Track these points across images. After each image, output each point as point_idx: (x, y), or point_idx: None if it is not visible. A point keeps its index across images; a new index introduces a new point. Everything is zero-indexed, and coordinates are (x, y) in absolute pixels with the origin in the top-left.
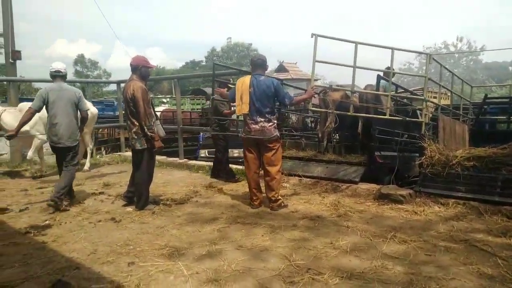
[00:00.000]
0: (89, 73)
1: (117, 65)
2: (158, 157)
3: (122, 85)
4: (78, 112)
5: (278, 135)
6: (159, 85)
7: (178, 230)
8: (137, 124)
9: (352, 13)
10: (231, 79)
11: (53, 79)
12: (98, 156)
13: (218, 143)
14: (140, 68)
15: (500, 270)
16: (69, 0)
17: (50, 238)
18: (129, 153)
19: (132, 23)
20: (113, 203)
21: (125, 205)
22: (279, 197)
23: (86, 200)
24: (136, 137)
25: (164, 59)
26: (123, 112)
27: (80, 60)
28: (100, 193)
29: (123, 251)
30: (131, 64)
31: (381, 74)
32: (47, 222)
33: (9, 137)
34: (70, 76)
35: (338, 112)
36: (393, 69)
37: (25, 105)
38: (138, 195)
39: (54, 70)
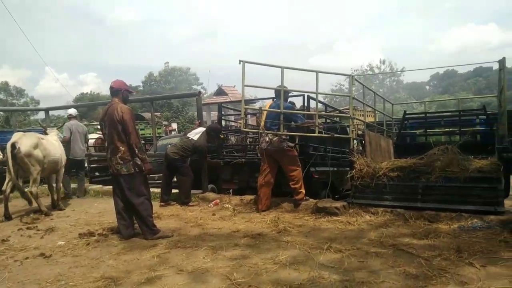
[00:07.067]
0: (14, 101)
1: (46, 92)
2: (93, 186)
3: (52, 112)
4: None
5: None
6: (94, 112)
7: (115, 260)
8: (123, 148)
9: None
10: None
11: (70, 119)
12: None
13: (181, 165)
14: (122, 92)
15: (423, 270)
16: None
17: None
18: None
19: (65, 49)
20: (42, 237)
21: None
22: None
23: (11, 237)
24: (121, 162)
25: (99, 83)
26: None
27: (3, 87)
28: (27, 228)
29: (53, 287)
30: (112, 87)
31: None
32: None
33: None
34: None
35: (270, 132)
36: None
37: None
38: (142, 226)
39: (69, 114)
